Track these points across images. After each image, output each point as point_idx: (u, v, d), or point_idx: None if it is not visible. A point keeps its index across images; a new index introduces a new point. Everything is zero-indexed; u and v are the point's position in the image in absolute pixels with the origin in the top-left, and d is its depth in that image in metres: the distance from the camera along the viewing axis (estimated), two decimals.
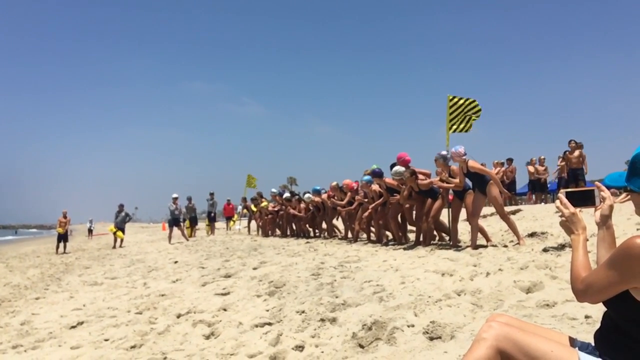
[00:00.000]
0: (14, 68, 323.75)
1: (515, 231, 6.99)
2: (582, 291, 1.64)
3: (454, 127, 8.91)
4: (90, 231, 36.24)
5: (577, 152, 14.48)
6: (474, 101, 8.86)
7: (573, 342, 1.82)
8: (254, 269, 7.44)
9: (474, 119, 8.89)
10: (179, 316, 4.83)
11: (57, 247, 19.52)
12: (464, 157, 7.17)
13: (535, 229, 7.94)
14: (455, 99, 8.83)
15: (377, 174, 9.42)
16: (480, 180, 7.19)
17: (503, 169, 17.56)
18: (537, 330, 1.85)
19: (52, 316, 5.76)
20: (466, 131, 8.91)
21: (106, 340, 4.27)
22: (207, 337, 3.97)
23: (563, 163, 15.24)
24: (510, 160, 17.67)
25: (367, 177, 9.95)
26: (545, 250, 5.82)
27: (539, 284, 4.14)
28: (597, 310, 2.76)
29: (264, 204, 16.83)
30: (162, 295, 6.23)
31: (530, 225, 8.96)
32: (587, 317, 3.17)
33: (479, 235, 7.36)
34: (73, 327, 5.01)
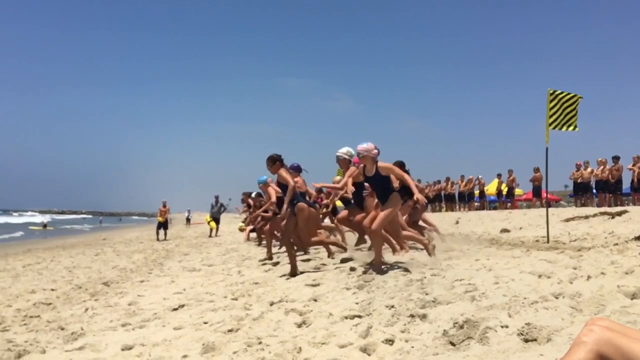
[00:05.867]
0: (119, 63, 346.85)
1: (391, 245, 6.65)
2: None
3: (554, 122, 8.49)
4: (188, 220, 38.27)
5: None
6: (575, 95, 8.38)
7: None
8: (342, 261, 7.54)
9: (574, 115, 8.41)
10: (272, 304, 5.01)
11: (157, 234, 20.83)
12: (374, 152, 6.15)
13: None
14: (557, 93, 8.40)
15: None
16: (386, 188, 6.25)
17: (608, 167, 16.54)
18: None
19: (155, 298, 6.18)
20: (573, 129, 8.42)
21: (205, 323, 4.53)
22: (299, 326, 4.10)
23: None
24: (616, 159, 16.58)
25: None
26: None
27: None
28: None
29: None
30: (256, 283, 6.48)
31: (637, 228, 8.38)
32: None
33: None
34: (175, 309, 5.35)
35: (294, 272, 6.71)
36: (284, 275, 6.78)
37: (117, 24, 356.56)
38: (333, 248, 7.97)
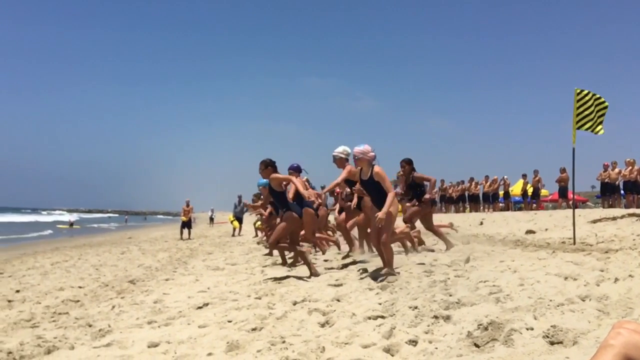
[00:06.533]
0: (144, 63, 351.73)
1: (384, 260, 6.24)
2: None
3: (580, 123, 8.35)
4: (211, 219, 38.63)
5: None
6: (600, 97, 8.24)
7: None
8: (365, 262, 7.54)
9: (601, 120, 8.26)
10: (295, 303, 5.04)
11: (181, 233, 21.09)
12: (371, 155, 6.01)
13: None
14: (584, 93, 8.26)
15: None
16: (382, 192, 6.05)
17: (637, 167, 16.23)
18: None
19: (180, 296, 6.26)
20: (597, 132, 8.28)
21: (229, 321, 4.58)
22: (322, 325, 4.11)
23: None
24: None
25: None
26: None
27: None
28: None
29: None
30: (279, 282, 6.52)
31: None
32: None
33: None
34: (199, 307, 5.41)
35: (314, 272, 6.76)
36: (306, 275, 6.81)
37: (144, 25, 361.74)
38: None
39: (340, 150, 7.16)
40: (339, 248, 9.81)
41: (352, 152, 6.21)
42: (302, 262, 7.27)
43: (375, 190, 6.07)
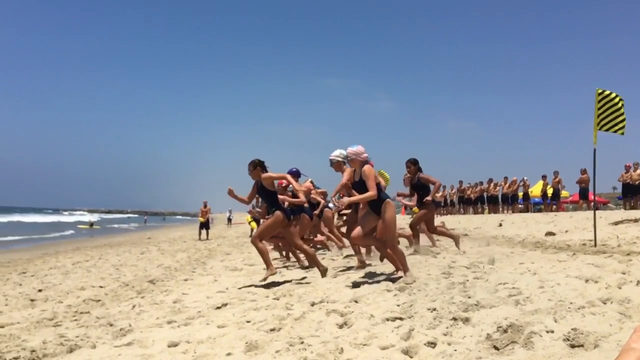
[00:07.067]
0: (164, 69, 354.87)
1: (396, 264, 6.14)
2: None
3: (602, 123, 8.24)
4: (229, 220, 38.90)
5: None
6: (621, 99, 8.13)
7: None
8: (383, 263, 7.52)
9: (623, 119, 8.14)
10: (312, 304, 5.05)
11: (200, 233, 21.29)
12: (364, 156, 5.92)
13: None
14: (605, 93, 8.15)
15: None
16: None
17: None
18: None
19: (199, 297, 6.31)
20: (621, 133, 8.16)
21: (248, 321, 4.61)
22: (341, 327, 4.12)
23: None
24: None
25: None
26: None
27: None
28: None
29: None
30: (297, 283, 6.54)
31: None
32: None
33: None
34: (218, 307, 5.46)
35: (323, 270, 6.82)
36: (324, 276, 6.82)
37: (172, 32, 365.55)
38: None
39: (337, 153, 7.16)
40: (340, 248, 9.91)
41: (346, 153, 6.13)
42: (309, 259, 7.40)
43: (365, 191, 5.89)
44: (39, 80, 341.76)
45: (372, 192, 5.77)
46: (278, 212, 6.84)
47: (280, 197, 7.56)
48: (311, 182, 9.71)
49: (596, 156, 8.42)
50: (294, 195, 8.54)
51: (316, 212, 9.52)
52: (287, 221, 6.95)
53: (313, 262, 7.06)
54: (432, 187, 8.64)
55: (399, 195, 9.22)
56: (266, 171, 6.91)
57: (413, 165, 8.68)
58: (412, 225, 8.84)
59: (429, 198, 8.56)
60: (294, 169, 8.92)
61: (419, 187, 8.67)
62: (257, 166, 6.87)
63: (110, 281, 8.65)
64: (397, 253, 6.03)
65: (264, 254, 6.85)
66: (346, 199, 5.99)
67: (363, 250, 8.06)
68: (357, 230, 5.98)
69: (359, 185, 5.98)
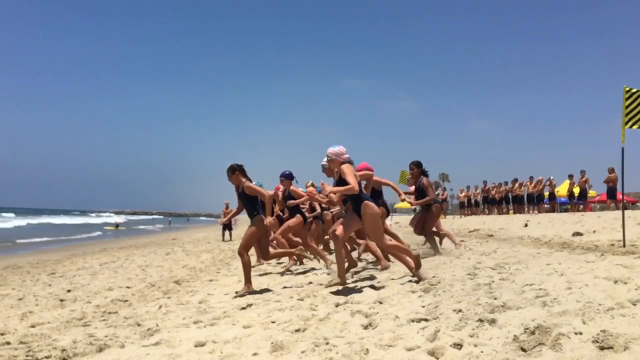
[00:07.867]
0: (185, 72, 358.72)
1: (406, 262, 6.04)
2: None
3: (631, 121, 8.09)
4: None
5: None
6: None
7: None
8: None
9: None
10: (337, 305, 5.06)
11: (223, 235, 21.53)
12: (345, 157, 5.87)
13: None
14: (633, 91, 8.01)
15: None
16: (357, 195, 5.84)
17: None
18: None
19: (224, 297, 6.38)
20: None
21: (273, 322, 4.64)
22: (365, 327, 4.12)
23: None
24: None
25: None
26: None
27: None
28: None
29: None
30: (320, 284, 6.56)
31: None
32: None
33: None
34: (243, 308, 5.51)
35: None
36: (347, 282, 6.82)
37: (197, 37, 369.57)
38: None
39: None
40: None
41: (326, 154, 6.02)
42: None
43: (351, 194, 5.84)
44: (72, 84, 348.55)
45: (351, 186, 5.67)
46: (260, 217, 6.70)
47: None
48: (312, 184, 9.63)
49: (624, 155, 8.28)
50: (291, 198, 8.58)
51: (309, 215, 9.35)
52: (265, 229, 6.81)
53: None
54: (439, 191, 8.57)
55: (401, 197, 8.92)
56: (246, 176, 6.82)
57: (416, 167, 8.57)
58: (427, 233, 8.72)
59: (428, 198, 8.39)
60: (287, 172, 8.79)
61: (419, 190, 8.58)
62: (235, 171, 6.77)
63: (137, 282, 8.78)
64: (398, 251, 6.02)
65: (246, 268, 6.68)
66: (328, 187, 5.83)
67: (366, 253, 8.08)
68: (340, 229, 5.92)
69: (340, 184, 5.88)
